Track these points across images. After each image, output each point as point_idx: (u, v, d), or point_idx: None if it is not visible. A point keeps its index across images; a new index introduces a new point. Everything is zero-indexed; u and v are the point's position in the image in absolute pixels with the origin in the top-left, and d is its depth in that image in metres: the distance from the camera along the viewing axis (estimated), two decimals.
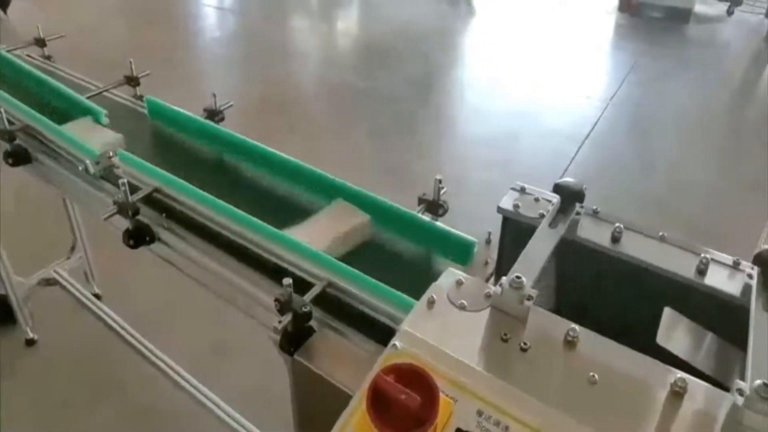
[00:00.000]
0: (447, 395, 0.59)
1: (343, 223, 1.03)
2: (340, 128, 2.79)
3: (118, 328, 1.67)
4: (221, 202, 1.04)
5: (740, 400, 0.60)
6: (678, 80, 3.42)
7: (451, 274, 0.77)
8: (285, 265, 0.94)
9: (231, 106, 1.50)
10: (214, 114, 1.45)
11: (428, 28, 4.40)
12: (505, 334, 0.68)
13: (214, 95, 1.47)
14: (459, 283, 0.76)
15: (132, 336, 1.54)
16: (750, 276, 0.78)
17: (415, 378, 0.57)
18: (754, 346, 0.67)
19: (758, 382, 0.61)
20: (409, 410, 0.53)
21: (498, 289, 0.73)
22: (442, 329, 0.69)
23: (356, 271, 0.88)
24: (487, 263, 1.00)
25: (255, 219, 0.99)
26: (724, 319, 0.77)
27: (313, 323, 0.85)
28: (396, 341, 0.65)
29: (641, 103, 3.23)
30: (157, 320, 2.04)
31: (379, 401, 0.55)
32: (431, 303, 0.73)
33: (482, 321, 0.71)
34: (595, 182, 2.47)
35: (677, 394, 0.63)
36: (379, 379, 0.56)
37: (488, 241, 1.01)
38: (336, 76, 3.37)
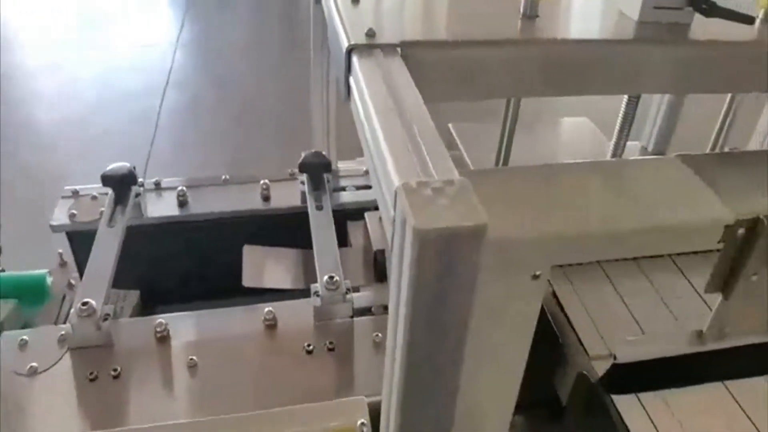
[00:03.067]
0: None
1: None
2: None
3: None
4: None
5: (317, 301, 0.67)
6: (233, 11, 3.53)
7: (7, 341, 0.64)
8: None
9: None
10: None
11: None
12: (91, 373, 0.60)
13: None
14: (22, 345, 0.64)
15: None
16: (303, 183, 0.86)
17: None
18: (317, 244, 0.74)
19: (325, 277, 0.68)
20: None
21: (69, 326, 0.63)
22: (17, 419, 0.57)
23: None
24: (72, 285, 0.87)
25: None
26: (297, 231, 0.83)
27: None
28: None
29: (205, 38, 3.24)
30: None
31: None
32: None
33: (63, 374, 0.61)
34: (189, 125, 2.42)
35: (270, 326, 0.66)
36: None
37: (62, 264, 0.87)
38: None
